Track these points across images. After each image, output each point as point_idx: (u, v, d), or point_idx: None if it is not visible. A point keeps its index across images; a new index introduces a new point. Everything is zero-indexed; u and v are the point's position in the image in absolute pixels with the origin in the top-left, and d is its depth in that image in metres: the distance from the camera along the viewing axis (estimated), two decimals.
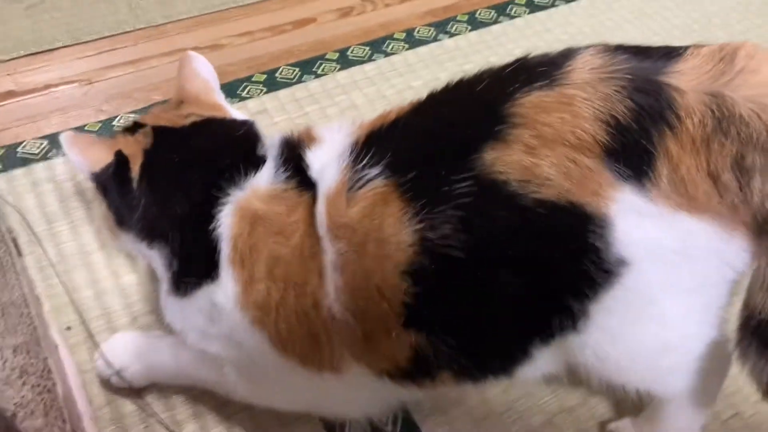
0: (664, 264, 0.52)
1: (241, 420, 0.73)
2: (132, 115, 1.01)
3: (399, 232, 0.54)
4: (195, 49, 1.12)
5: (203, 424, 0.72)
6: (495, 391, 0.76)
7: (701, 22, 1.28)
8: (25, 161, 0.94)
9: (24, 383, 0.61)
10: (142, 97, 1.04)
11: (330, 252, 0.57)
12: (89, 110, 1.02)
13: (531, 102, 0.52)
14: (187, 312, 0.67)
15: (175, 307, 0.68)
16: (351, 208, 0.57)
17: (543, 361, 0.59)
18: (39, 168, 0.94)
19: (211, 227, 0.63)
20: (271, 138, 0.69)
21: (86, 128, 0.99)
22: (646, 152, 0.50)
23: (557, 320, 0.55)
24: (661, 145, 0.50)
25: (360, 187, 0.57)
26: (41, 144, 0.97)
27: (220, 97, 0.78)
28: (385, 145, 0.58)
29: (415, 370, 0.60)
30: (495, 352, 0.60)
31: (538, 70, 0.55)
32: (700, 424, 0.68)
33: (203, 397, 0.74)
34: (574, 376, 0.74)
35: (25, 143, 0.96)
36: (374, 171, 0.56)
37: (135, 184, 0.66)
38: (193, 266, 0.65)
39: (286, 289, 0.60)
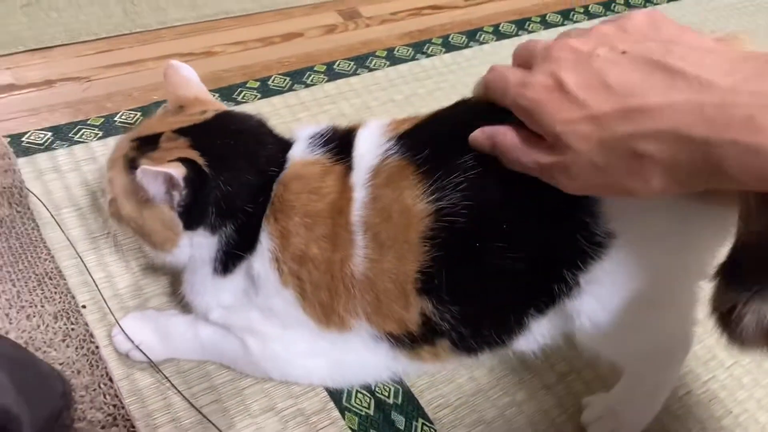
0: (649, 235, 0.60)
1: (253, 393, 0.78)
2: (133, 113, 1.05)
3: (417, 202, 0.63)
4: (189, 54, 1.19)
5: (218, 396, 0.77)
6: (482, 371, 0.84)
7: None
8: (28, 150, 0.97)
9: (67, 346, 0.65)
10: (142, 96, 1.08)
11: (358, 215, 0.66)
12: (91, 105, 1.05)
13: None
14: (219, 290, 0.75)
15: (208, 288, 0.75)
16: (376, 179, 0.66)
17: (538, 331, 0.68)
18: (42, 158, 0.97)
19: (266, 197, 0.70)
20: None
21: (89, 122, 1.03)
22: None
23: (553, 290, 0.63)
24: None
25: (385, 163, 0.66)
26: (45, 135, 1.00)
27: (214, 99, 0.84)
28: (407, 136, 0.68)
29: (419, 336, 0.69)
30: (493, 320, 0.68)
31: None
32: (660, 402, 0.77)
33: (218, 371, 0.79)
34: (554, 355, 0.85)
35: (30, 133, 0.99)
36: (395, 150, 0.66)
37: (210, 172, 0.69)
38: (247, 239, 0.71)
39: (321, 242, 0.67)
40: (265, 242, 0.70)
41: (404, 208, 0.64)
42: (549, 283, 0.63)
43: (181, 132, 0.72)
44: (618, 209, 0.58)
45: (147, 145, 0.73)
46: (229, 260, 0.73)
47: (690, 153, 0.46)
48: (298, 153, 0.73)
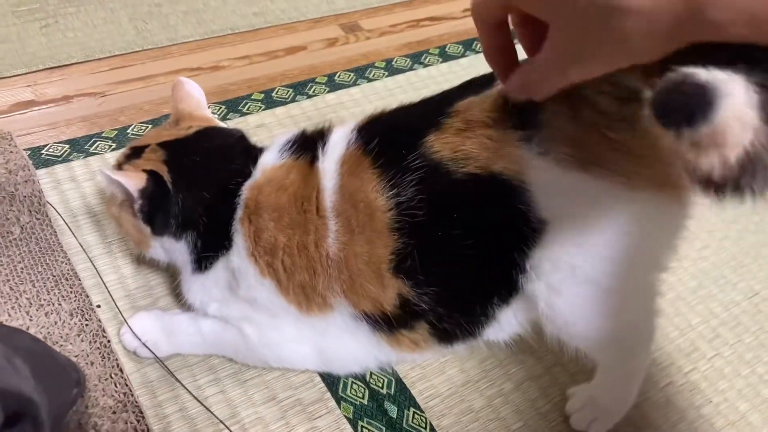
0: (580, 222, 0.63)
1: (255, 385, 0.83)
2: (145, 125, 1.12)
3: (378, 196, 0.68)
4: (197, 69, 1.25)
5: (222, 388, 0.83)
6: (472, 362, 0.89)
7: None
8: (47, 162, 1.04)
9: (82, 340, 0.71)
10: (153, 109, 1.15)
11: (328, 200, 0.71)
12: (105, 119, 1.12)
13: (463, 103, 0.66)
14: (207, 286, 0.81)
15: (196, 285, 0.82)
16: (343, 167, 0.72)
17: (505, 320, 0.73)
18: (60, 169, 1.04)
19: (229, 205, 0.77)
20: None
21: (104, 134, 1.10)
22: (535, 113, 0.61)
23: (508, 277, 0.67)
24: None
25: (348, 153, 0.72)
26: (62, 148, 1.07)
27: (209, 113, 0.91)
28: (368, 128, 0.74)
29: (396, 317, 0.73)
30: (463, 308, 0.73)
31: (477, 85, 0.68)
32: (634, 390, 0.80)
33: (222, 365, 0.85)
34: (541, 348, 0.90)
35: (48, 146, 1.06)
36: (356, 140, 0.72)
37: (171, 188, 0.77)
38: (214, 242, 0.78)
39: (288, 230, 0.73)
40: (240, 242, 0.76)
41: (368, 201, 0.69)
42: (503, 269, 0.68)
43: (164, 146, 0.80)
44: (548, 198, 0.62)
45: (136, 154, 0.81)
46: (202, 260, 0.80)
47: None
48: (270, 160, 0.79)
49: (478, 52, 1.42)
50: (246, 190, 0.77)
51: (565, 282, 0.66)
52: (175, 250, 0.81)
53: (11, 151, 0.90)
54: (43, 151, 1.05)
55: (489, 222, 0.66)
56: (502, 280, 0.69)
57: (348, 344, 0.80)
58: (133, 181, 0.76)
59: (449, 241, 0.68)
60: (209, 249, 0.79)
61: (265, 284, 0.77)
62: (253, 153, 0.82)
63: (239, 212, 0.77)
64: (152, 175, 0.77)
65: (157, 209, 0.78)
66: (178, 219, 0.78)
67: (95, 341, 0.73)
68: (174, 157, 0.79)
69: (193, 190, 0.78)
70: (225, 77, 1.24)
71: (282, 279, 0.76)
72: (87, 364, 0.70)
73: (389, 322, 0.75)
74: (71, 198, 1.00)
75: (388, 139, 0.70)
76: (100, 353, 0.71)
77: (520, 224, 0.64)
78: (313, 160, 0.76)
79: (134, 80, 1.20)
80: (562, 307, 0.68)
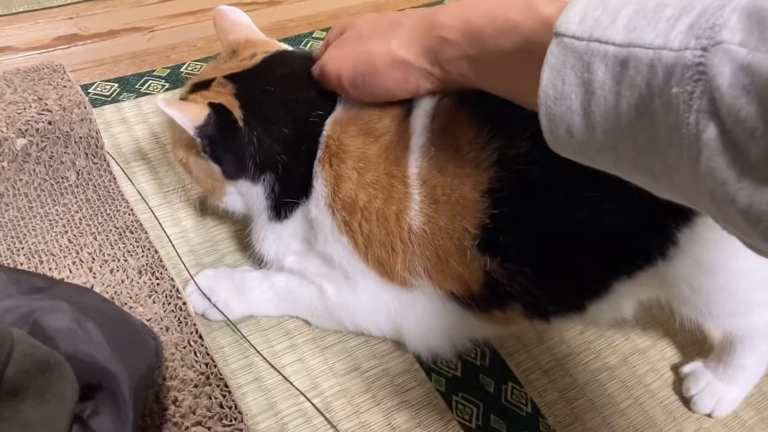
0: None
1: (336, 353, 0.75)
2: (199, 64, 1.02)
3: (475, 150, 0.59)
4: (252, 3, 1.15)
5: (300, 356, 0.74)
6: (572, 332, 0.80)
7: None
8: (95, 102, 0.94)
9: (154, 301, 0.63)
10: (206, 46, 1.04)
11: (414, 165, 0.62)
12: (155, 56, 1.02)
13: None
14: (284, 237, 0.73)
15: (273, 235, 0.73)
16: (434, 122, 0.63)
17: (620, 297, 0.64)
18: (109, 110, 0.94)
19: (311, 143, 0.67)
20: None
21: (155, 73, 1.00)
22: None
23: (647, 250, 0.59)
24: None
25: (442, 104, 0.63)
26: (111, 86, 0.97)
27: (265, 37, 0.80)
28: None
29: (485, 297, 0.64)
30: (573, 284, 0.64)
31: None
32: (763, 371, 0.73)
33: (298, 330, 0.76)
34: (646, 317, 0.81)
35: (95, 84, 0.96)
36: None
37: (242, 124, 0.67)
38: (294, 187, 0.69)
39: (371, 190, 0.64)
40: (319, 187, 0.67)
41: (460, 158, 0.60)
42: (644, 241, 0.59)
43: (231, 78, 0.70)
44: None
45: (203, 86, 0.71)
46: (281, 207, 0.71)
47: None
48: None
49: None
50: (328, 125, 0.67)
51: (718, 258, 0.59)
52: (252, 195, 0.71)
53: (64, 86, 0.80)
54: (90, 90, 0.96)
55: None
56: (637, 253, 0.60)
57: (431, 323, 0.71)
58: (190, 116, 0.66)
59: (576, 204, 0.58)
60: (288, 194, 0.70)
61: (342, 242, 0.68)
62: None
63: (319, 152, 0.67)
64: (217, 109, 0.67)
65: (227, 149, 0.68)
66: (255, 159, 0.68)
67: (169, 303, 0.64)
68: (245, 90, 0.69)
69: (270, 126, 0.67)
70: (283, 13, 1.13)
71: (359, 243, 0.67)
72: (161, 329, 0.61)
73: (478, 302, 0.66)
74: (122, 142, 0.91)
75: None
76: (175, 317, 0.63)
77: None
78: (410, 110, 0.66)
79: (185, 14, 1.09)
80: (710, 287, 0.61)
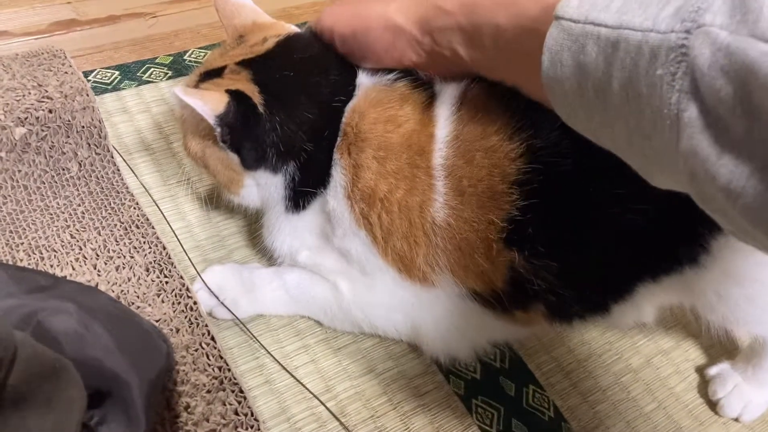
0: None
1: (350, 354, 0.72)
2: (203, 51, 0.98)
3: (503, 140, 0.56)
4: None
5: (313, 357, 0.71)
6: (593, 333, 0.78)
7: None
8: (95, 90, 0.90)
9: (162, 301, 0.59)
10: (211, 33, 1.01)
11: (439, 156, 0.59)
12: (158, 43, 0.98)
13: None
14: (300, 229, 0.69)
15: (288, 228, 0.70)
16: (460, 111, 0.60)
17: (642, 301, 0.61)
18: (110, 98, 0.91)
19: (333, 130, 0.64)
20: None
21: (157, 60, 0.96)
22: None
23: (676, 255, 0.57)
24: None
25: (470, 91, 0.61)
26: (112, 74, 0.93)
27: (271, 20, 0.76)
28: None
29: (509, 296, 0.61)
30: (599, 282, 0.61)
31: None
32: None
33: (310, 330, 0.73)
34: (668, 318, 0.78)
35: (96, 71, 0.92)
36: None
37: (263, 110, 0.64)
38: (313, 175, 0.66)
39: (392, 180, 0.61)
40: (338, 177, 0.64)
41: (487, 149, 0.57)
42: (674, 245, 0.56)
43: (245, 64, 0.66)
44: None
45: (215, 74, 0.67)
46: (299, 197, 0.67)
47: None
48: (375, 77, 0.66)
49: None
50: (347, 112, 0.64)
51: (749, 268, 0.57)
52: (270, 186, 0.67)
53: (65, 72, 0.76)
54: (90, 77, 0.92)
55: None
56: (665, 257, 0.57)
57: (451, 323, 0.68)
58: (211, 104, 0.62)
59: (606, 201, 0.55)
60: (307, 183, 0.66)
61: (360, 236, 0.65)
62: (351, 64, 0.68)
63: (339, 140, 0.64)
64: (236, 96, 0.63)
65: (247, 137, 0.64)
66: (278, 146, 0.64)
67: (179, 302, 0.60)
68: (263, 76, 0.65)
69: (293, 111, 0.64)
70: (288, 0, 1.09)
71: (378, 236, 0.63)
72: (171, 330, 0.58)
73: (502, 302, 0.63)
74: (124, 132, 0.87)
75: None
76: (186, 317, 0.59)
77: None
78: (432, 98, 0.63)
79: (187, 0, 1.05)
80: (738, 295, 0.59)
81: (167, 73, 0.95)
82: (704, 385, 0.75)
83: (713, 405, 0.73)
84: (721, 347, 0.78)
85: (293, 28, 0.73)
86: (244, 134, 0.64)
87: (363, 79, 0.67)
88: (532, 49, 0.46)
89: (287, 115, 0.64)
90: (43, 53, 0.81)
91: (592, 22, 0.40)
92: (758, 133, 0.33)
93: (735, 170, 0.34)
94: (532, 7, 0.49)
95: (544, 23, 0.44)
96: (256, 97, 0.64)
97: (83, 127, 0.72)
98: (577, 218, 0.57)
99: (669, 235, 0.56)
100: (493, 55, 0.55)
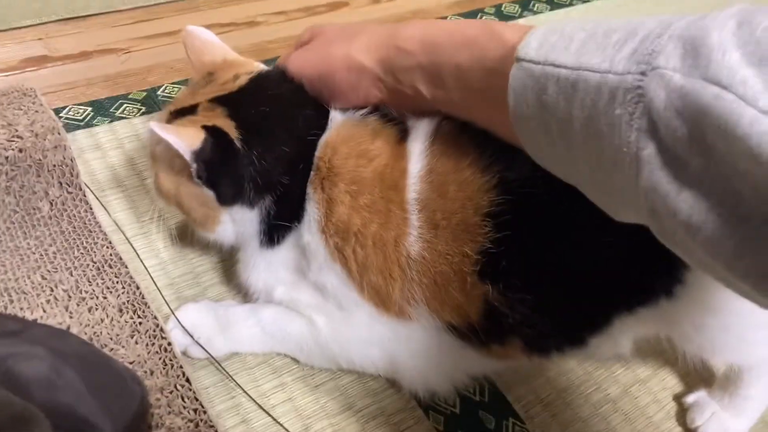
0: None
1: (328, 391, 0.71)
2: (177, 86, 0.98)
3: (475, 173, 0.57)
4: (230, 24, 1.11)
5: (290, 395, 0.70)
6: (571, 363, 0.78)
7: None
8: (67, 127, 0.89)
9: (136, 342, 0.58)
10: (185, 68, 1.00)
11: (413, 190, 0.60)
12: (132, 79, 0.98)
13: None
14: (274, 265, 0.69)
15: (262, 264, 0.70)
16: (433, 146, 0.61)
17: (618, 333, 0.62)
18: (82, 135, 0.90)
19: (307, 163, 0.64)
20: None
21: (131, 96, 0.95)
22: None
23: (651, 287, 0.57)
24: None
25: (441, 127, 0.62)
26: (84, 110, 0.92)
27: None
28: None
29: (485, 329, 0.61)
30: (574, 317, 0.61)
31: None
32: None
33: (287, 367, 0.72)
34: (645, 347, 0.79)
35: (68, 108, 0.92)
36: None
37: (240, 145, 0.63)
38: (288, 209, 0.66)
39: (366, 214, 0.61)
40: (312, 211, 0.65)
41: (460, 182, 0.58)
42: (649, 277, 0.57)
43: (219, 101, 0.66)
44: None
45: (188, 111, 0.67)
46: (273, 232, 0.67)
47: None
48: (344, 112, 0.67)
49: (536, 13, 1.29)
50: (320, 146, 0.65)
51: (724, 302, 0.58)
52: (246, 221, 0.67)
53: (36, 110, 0.75)
54: (62, 114, 0.91)
55: None
56: (640, 289, 0.58)
57: (428, 356, 0.67)
58: (187, 141, 0.62)
59: (580, 234, 0.55)
60: (283, 217, 0.66)
61: (336, 270, 0.64)
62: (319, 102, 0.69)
63: (312, 174, 0.65)
64: (213, 132, 0.63)
65: (225, 173, 0.64)
66: (256, 181, 0.64)
67: (152, 343, 0.59)
68: (238, 111, 0.65)
69: (270, 145, 0.64)
70: (261, 34, 1.10)
71: (353, 270, 0.63)
72: (145, 372, 0.57)
73: (479, 336, 0.63)
74: (96, 169, 0.86)
75: None
76: (160, 359, 0.58)
77: None
78: (404, 134, 0.63)
79: (161, 35, 1.05)
80: (713, 325, 0.60)
81: (140, 109, 0.94)
82: (682, 413, 0.75)
83: None
84: (698, 375, 0.78)
85: (262, 66, 0.73)
86: (222, 170, 0.64)
87: (336, 114, 0.67)
88: (497, 89, 0.47)
89: (265, 149, 0.64)
90: (13, 92, 0.80)
91: (552, 63, 0.41)
92: (714, 171, 0.33)
93: (694, 205, 0.35)
94: (494, 47, 0.50)
95: (507, 65, 0.45)
96: (233, 133, 0.64)
97: (54, 166, 0.71)
98: (551, 251, 0.57)
99: (644, 267, 0.57)
100: (456, 94, 0.56)
